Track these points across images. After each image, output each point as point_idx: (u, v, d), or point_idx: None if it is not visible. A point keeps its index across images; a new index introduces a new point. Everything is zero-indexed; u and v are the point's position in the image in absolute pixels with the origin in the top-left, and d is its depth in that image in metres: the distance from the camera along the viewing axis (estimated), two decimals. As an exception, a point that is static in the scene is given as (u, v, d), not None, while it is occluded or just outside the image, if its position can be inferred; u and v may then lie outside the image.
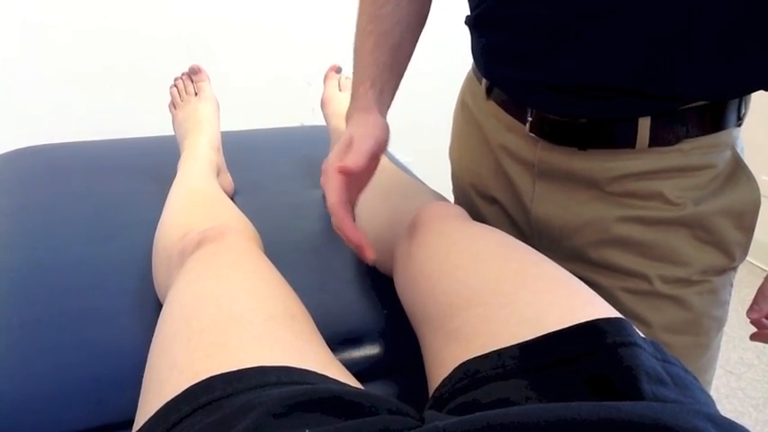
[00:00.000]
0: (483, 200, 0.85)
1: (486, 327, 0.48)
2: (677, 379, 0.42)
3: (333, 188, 0.64)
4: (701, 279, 0.70)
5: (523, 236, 0.80)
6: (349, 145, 0.67)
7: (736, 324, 0.75)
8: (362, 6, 0.77)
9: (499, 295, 0.50)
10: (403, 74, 0.78)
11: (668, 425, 0.33)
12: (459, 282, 0.55)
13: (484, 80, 0.80)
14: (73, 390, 0.63)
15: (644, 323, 0.71)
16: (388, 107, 0.76)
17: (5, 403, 0.61)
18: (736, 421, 0.37)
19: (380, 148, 0.69)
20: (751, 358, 1.73)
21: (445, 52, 1.54)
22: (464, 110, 0.87)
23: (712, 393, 0.44)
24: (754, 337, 0.75)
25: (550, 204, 0.75)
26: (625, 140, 0.67)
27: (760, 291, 0.72)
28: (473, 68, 0.85)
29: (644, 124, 0.66)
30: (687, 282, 0.70)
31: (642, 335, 0.45)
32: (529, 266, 0.55)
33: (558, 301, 0.49)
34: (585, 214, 0.72)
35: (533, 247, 0.62)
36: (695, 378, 0.44)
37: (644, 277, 0.70)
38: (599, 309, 0.47)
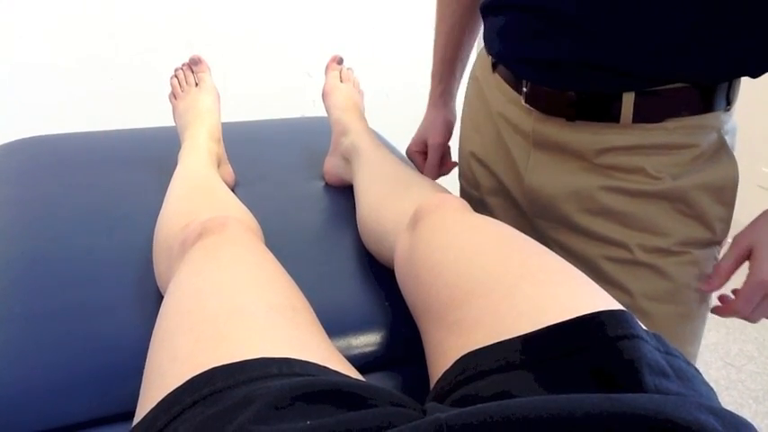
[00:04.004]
0: (482, 168, 0.91)
1: (487, 319, 0.48)
2: (679, 371, 0.42)
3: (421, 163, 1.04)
4: (681, 250, 0.73)
5: (517, 205, 0.85)
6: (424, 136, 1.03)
7: (736, 316, 0.75)
8: (436, 6, 0.96)
9: (501, 287, 0.50)
10: (467, 62, 1.00)
11: (671, 417, 0.33)
12: (460, 274, 0.55)
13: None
14: (74, 381, 0.63)
15: (625, 291, 0.74)
16: (456, 91, 1.02)
17: (7, 396, 0.61)
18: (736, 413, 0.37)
19: (444, 139, 1.02)
20: (751, 350, 1.73)
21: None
22: (474, 83, 0.93)
23: (712, 385, 0.44)
24: (715, 311, 0.76)
25: (543, 174, 0.79)
26: (610, 115, 0.70)
27: (717, 265, 0.73)
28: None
29: (628, 100, 0.69)
30: (666, 251, 0.73)
31: (644, 327, 0.45)
32: (531, 258, 0.55)
33: (559, 293, 0.48)
34: (574, 183, 0.76)
35: (525, 215, 0.68)
36: (697, 370, 0.44)
37: (625, 246, 0.73)
38: (601, 301, 0.47)
